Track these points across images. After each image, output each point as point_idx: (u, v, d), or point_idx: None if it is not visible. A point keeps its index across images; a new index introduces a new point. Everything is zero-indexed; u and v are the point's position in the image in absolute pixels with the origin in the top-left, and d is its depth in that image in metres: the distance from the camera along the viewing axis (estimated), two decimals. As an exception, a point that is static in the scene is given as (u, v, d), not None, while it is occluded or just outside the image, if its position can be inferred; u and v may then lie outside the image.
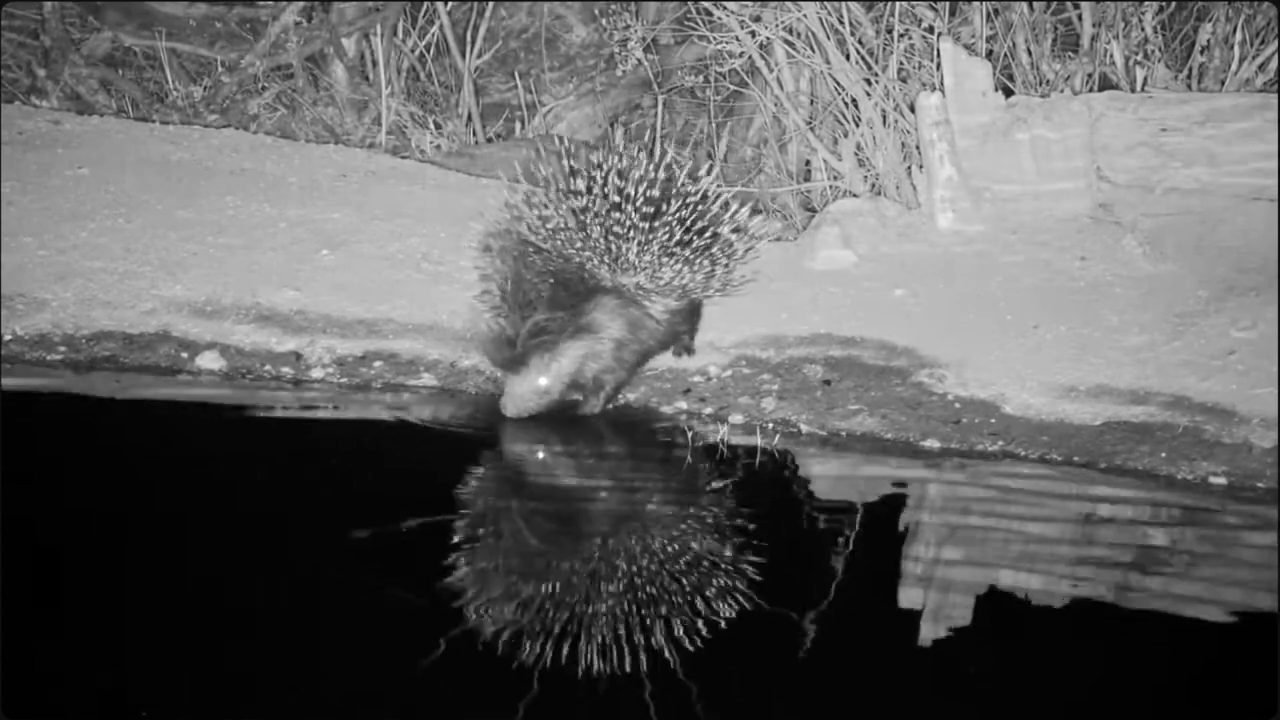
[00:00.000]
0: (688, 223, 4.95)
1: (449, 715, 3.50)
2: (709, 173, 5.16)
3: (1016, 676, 3.71)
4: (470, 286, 5.13)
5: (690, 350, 5.24)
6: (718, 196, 5.04)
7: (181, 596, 3.91)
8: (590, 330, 4.92)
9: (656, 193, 4.91)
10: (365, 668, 3.65)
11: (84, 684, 3.54)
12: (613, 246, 4.91)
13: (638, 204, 4.89)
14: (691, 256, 4.98)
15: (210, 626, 3.79)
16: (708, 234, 5.00)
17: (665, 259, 4.95)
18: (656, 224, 4.91)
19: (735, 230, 5.06)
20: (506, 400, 4.93)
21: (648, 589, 4.00)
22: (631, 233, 4.90)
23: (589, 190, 4.90)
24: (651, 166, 4.95)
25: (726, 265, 5.07)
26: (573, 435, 5.00)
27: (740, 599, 3.95)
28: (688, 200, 4.96)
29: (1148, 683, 3.69)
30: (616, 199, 4.89)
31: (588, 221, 4.89)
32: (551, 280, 4.88)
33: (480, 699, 3.55)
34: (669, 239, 4.94)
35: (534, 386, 4.90)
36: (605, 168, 4.93)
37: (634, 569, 4.12)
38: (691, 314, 5.19)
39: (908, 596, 4.06)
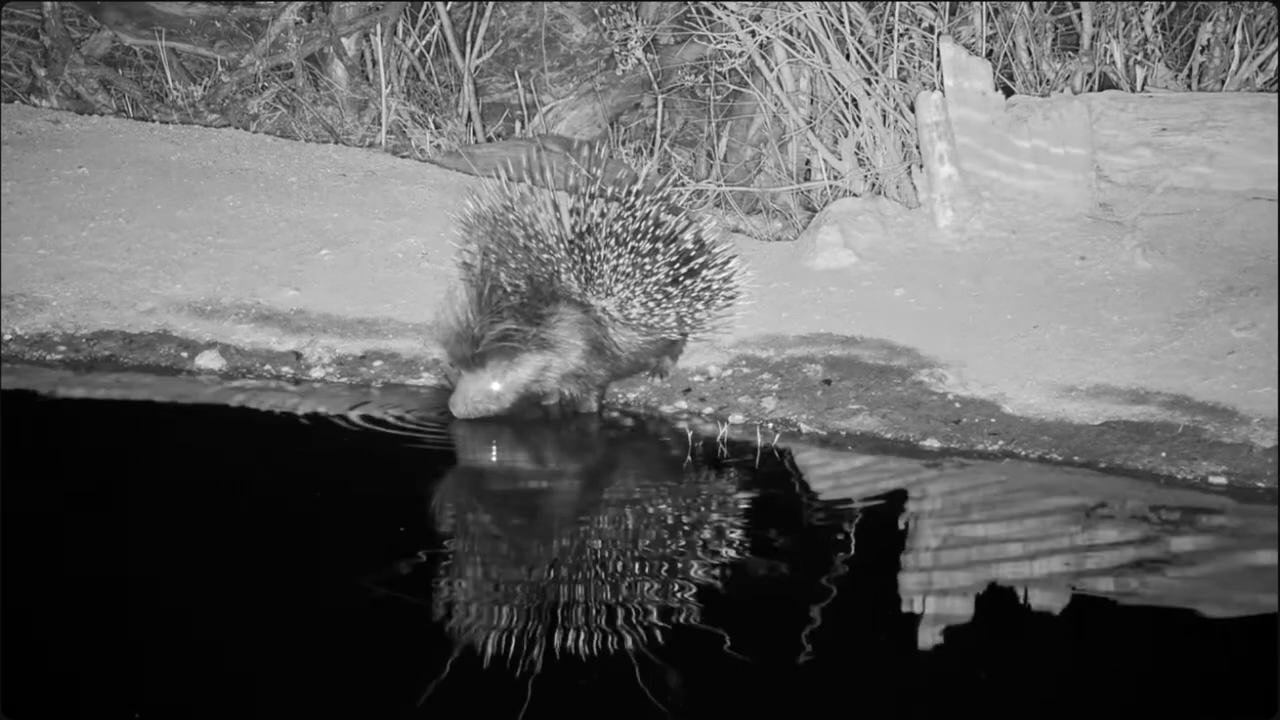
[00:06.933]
0: (674, 266, 4.91)
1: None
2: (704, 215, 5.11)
3: (1016, 676, 3.71)
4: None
5: (663, 374, 5.20)
6: (701, 245, 4.96)
7: (180, 596, 3.91)
8: (552, 345, 4.89)
9: (646, 233, 4.88)
10: (364, 668, 3.65)
11: (84, 684, 3.54)
12: (589, 267, 4.87)
13: (622, 236, 4.85)
14: (662, 299, 4.92)
15: (208, 627, 3.79)
16: (685, 281, 4.93)
17: (640, 295, 4.90)
18: (640, 260, 4.88)
19: (719, 281, 4.98)
20: (457, 399, 4.90)
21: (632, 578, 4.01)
22: (608, 257, 4.86)
23: (584, 208, 4.86)
24: (639, 200, 4.90)
25: (700, 312, 4.99)
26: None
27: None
28: (670, 239, 4.90)
29: (1148, 682, 3.69)
30: (599, 223, 4.85)
31: (570, 237, 4.84)
32: (525, 284, 4.84)
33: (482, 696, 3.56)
34: (645, 277, 4.90)
35: (486, 390, 4.88)
36: (597, 187, 4.88)
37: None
38: (669, 344, 5.13)
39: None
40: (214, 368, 5.24)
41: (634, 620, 3.82)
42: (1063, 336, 5.24)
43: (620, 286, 4.89)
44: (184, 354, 5.29)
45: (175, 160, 6.49)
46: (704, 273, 4.95)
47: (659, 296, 4.91)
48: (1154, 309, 5.35)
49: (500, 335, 4.80)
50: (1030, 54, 6.45)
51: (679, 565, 4.13)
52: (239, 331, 5.37)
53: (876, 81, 6.15)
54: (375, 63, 7.26)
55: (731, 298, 5.04)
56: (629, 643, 3.71)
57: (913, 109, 5.93)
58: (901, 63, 6.25)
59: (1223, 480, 4.59)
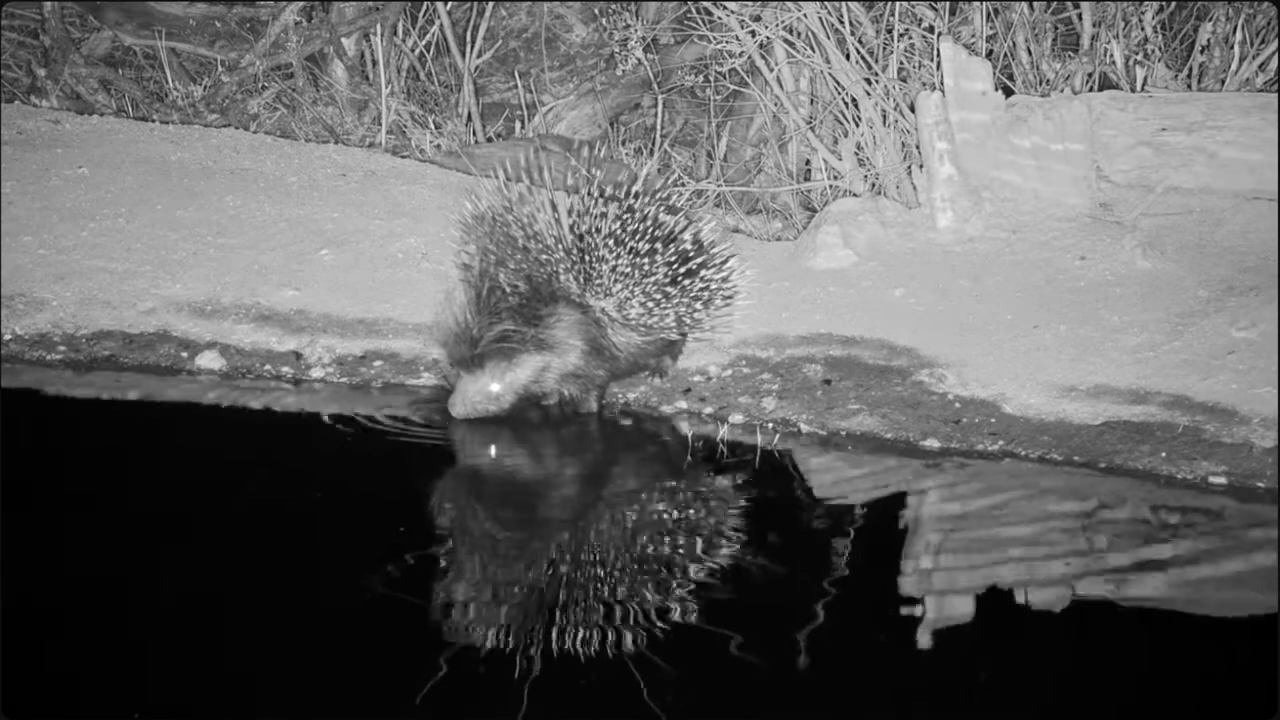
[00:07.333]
0: (673, 266, 4.91)
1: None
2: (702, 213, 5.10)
3: (1016, 676, 3.71)
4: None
5: (663, 374, 5.19)
6: (700, 246, 4.97)
7: (179, 596, 3.91)
8: (551, 346, 4.89)
9: (646, 234, 4.88)
10: (364, 669, 3.65)
11: (84, 684, 3.54)
12: (588, 268, 4.87)
13: (620, 237, 4.86)
14: (661, 299, 4.92)
15: (209, 626, 3.79)
16: (684, 282, 4.93)
17: (639, 295, 4.90)
18: (638, 260, 4.88)
19: (718, 281, 4.98)
20: (456, 399, 4.91)
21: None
22: (607, 257, 4.86)
23: (584, 209, 4.86)
24: (641, 201, 4.91)
25: (699, 312, 4.98)
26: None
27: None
28: (669, 240, 4.90)
29: (1148, 683, 3.69)
30: (599, 224, 4.85)
31: (569, 237, 4.84)
32: (524, 285, 4.84)
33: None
34: (644, 277, 4.89)
35: (485, 390, 4.88)
36: (597, 188, 4.88)
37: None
38: (669, 344, 5.12)
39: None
40: (214, 368, 5.24)
41: (634, 620, 3.82)
42: (1063, 336, 5.24)
43: (619, 287, 4.89)
44: (184, 354, 5.29)
45: (175, 160, 6.49)
46: (702, 273, 4.95)
47: (658, 297, 4.91)
48: (1154, 309, 5.34)
49: (499, 336, 4.80)
50: (1030, 54, 6.45)
51: (679, 565, 4.13)
52: (239, 331, 5.37)
53: (876, 81, 6.15)
54: (375, 63, 7.27)
55: (730, 298, 5.04)
56: (629, 643, 3.71)
57: (913, 109, 5.93)
58: (901, 63, 6.25)
59: (1223, 480, 4.59)
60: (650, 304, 4.91)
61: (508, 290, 4.83)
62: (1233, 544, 4.34)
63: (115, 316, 5.42)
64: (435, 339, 4.93)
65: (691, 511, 4.51)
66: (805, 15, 6.15)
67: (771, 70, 6.38)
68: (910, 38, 6.26)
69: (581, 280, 4.87)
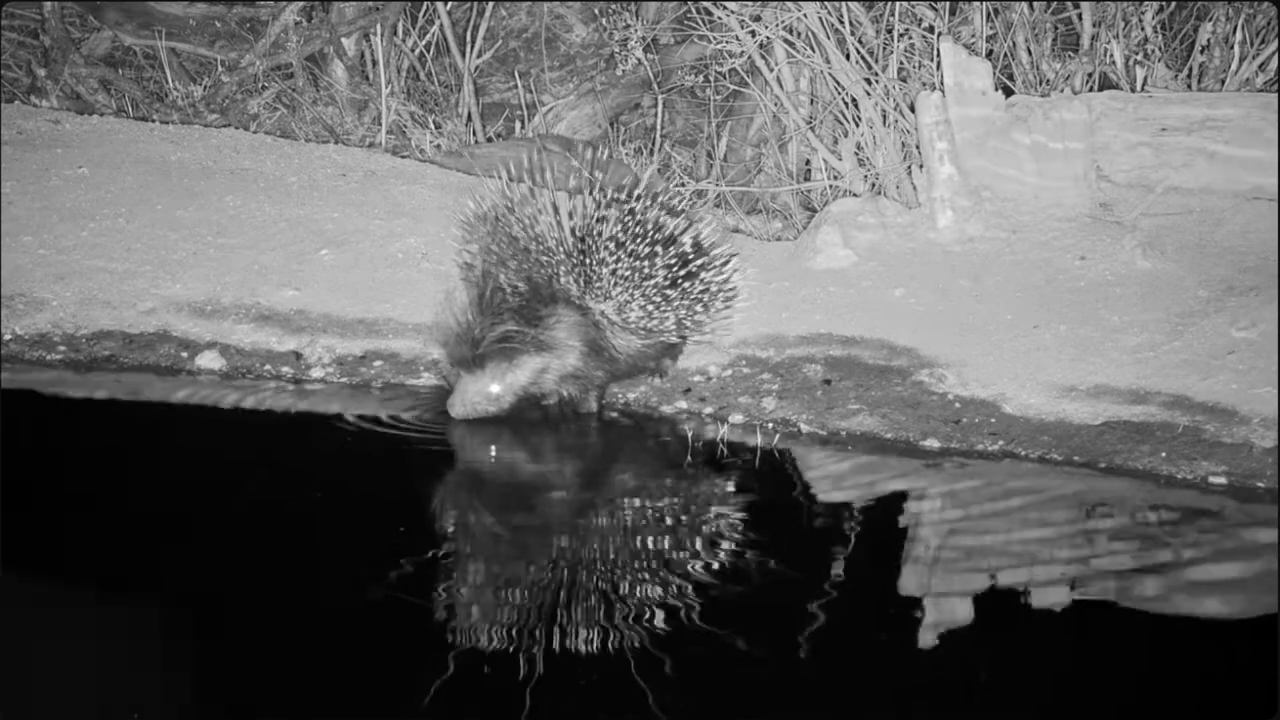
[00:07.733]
0: (672, 269, 4.90)
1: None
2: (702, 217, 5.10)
3: (1016, 676, 3.71)
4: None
5: (663, 374, 5.19)
6: (699, 248, 4.96)
7: (179, 596, 3.92)
8: (550, 347, 4.88)
9: (646, 236, 4.88)
10: (364, 669, 3.65)
11: (84, 684, 3.55)
12: (589, 270, 4.87)
13: (621, 239, 4.85)
14: (660, 302, 4.91)
15: (209, 626, 3.79)
16: (684, 284, 4.93)
17: (639, 298, 4.90)
18: (638, 263, 4.87)
19: (717, 284, 4.97)
20: (455, 399, 4.90)
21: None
22: (607, 260, 4.86)
23: (586, 212, 4.85)
24: (642, 204, 4.90)
25: (699, 315, 4.98)
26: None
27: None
28: (669, 242, 4.90)
29: (1148, 683, 3.69)
30: (600, 226, 4.84)
31: (570, 239, 4.84)
32: (524, 286, 4.84)
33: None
34: (644, 280, 4.89)
35: (485, 391, 4.87)
36: (599, 190, 4.88)
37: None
38: (669, 346, 5.11)
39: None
40: (214, 368, 5.24)
41: (635, 620, 3.82)
42: (1063, 336, 5.24)
43: (619, 290, 4.89)
44: (184, 354, 5.29)
45: (175, 160, 6.49)
46: (702, 275, 4.95)
47: (657, 299, 4.90)
48: (1154, 309, 5.35)
49: (501, 337, 4.80)
50: (1030, 54, 6.45)
51: (679, 564, 4.13)
52: (239, 331, 5.37)
53: (876, 81, 6.16)
54: (375, 63, 7.27)
55: (730, 300, 5.03)
56: (630, 642, 3.71)
57: (913, 109, 5.94)
58: (901, 63, 6.25)
59: (1223, 480, 4.59)
60: (650, 307, 4.90)
61: (509, 291, 4.83)
62: (1233, 544, 4.34)
63: (115, 316, 5.42)
64: (436, 339, 4.93)
65: (692, 511, 4.51)
66: (805, 15, 6.15)
67: (771, 70, 6.38)
68: (910, 38, 6.27)
69: (582, 282, 4.87)
